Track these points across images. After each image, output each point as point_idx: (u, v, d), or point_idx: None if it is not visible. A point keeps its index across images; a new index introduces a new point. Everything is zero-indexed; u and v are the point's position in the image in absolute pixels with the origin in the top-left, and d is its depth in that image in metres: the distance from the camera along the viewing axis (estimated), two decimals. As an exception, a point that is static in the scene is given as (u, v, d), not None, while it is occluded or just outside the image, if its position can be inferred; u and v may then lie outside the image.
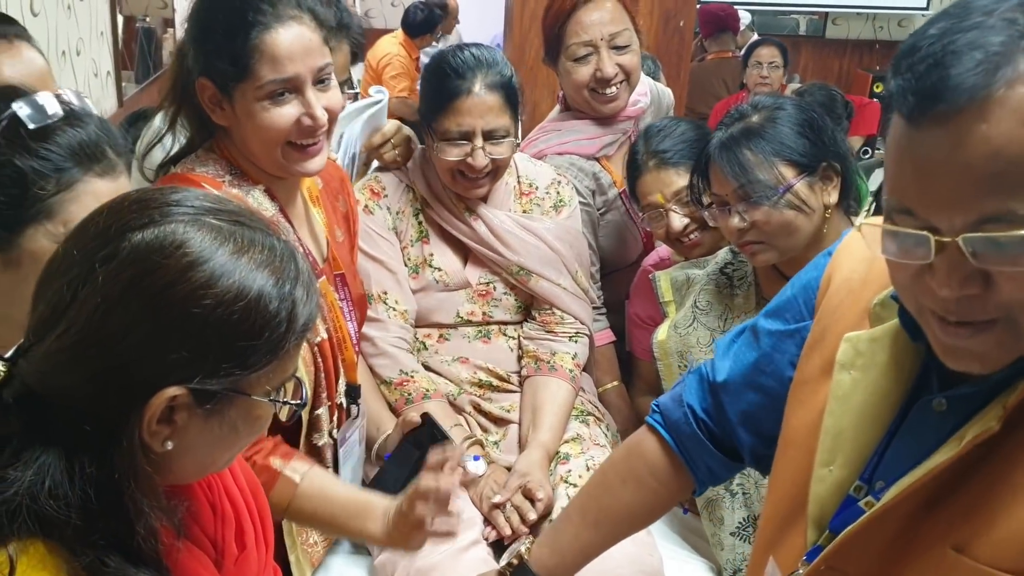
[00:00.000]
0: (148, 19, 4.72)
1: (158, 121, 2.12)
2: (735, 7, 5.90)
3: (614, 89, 2.28)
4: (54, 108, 1.14)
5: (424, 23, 6.57)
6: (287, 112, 1.54)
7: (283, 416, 1.05)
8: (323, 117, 1.56)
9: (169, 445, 0.94)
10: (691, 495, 1.47)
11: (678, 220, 2.09)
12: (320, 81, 1.56)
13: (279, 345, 0.96)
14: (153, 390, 0.90)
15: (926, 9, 7.05)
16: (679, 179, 2.07)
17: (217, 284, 0.91)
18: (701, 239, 2.11)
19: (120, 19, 3.91)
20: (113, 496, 0.91)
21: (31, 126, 1.12)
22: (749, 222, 1.75)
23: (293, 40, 1.51)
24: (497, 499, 1.83)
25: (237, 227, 0.95)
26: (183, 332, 0.90)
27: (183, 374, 0.91)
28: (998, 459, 0.92)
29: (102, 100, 3.65)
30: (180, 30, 5.32)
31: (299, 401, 1.05)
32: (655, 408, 1.42)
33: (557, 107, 2.49)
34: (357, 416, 1.79)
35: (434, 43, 6.65)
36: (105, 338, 0.89)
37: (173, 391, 0.90)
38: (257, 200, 1.60)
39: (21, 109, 1.12)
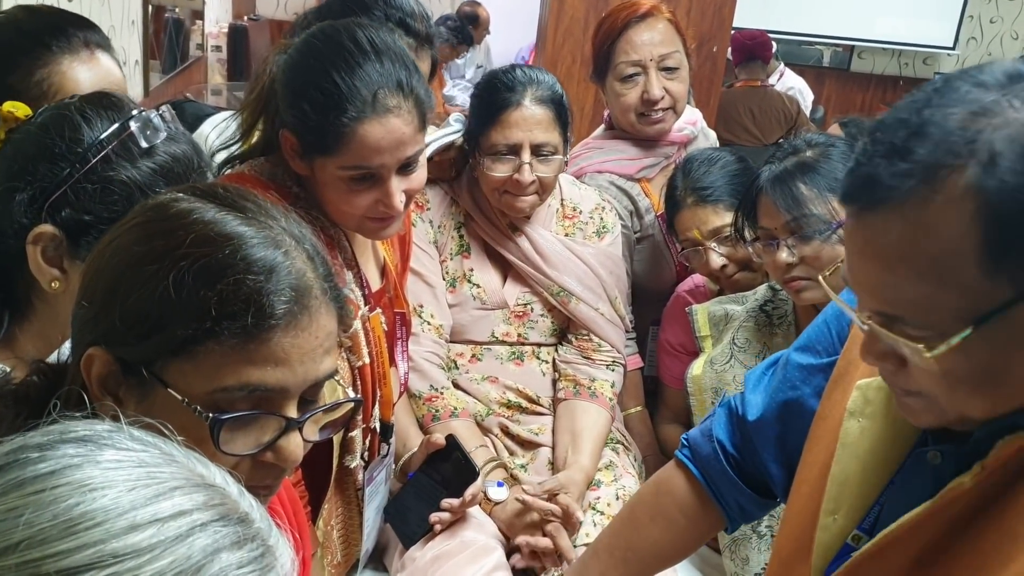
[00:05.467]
0: (177, 10, 4.70)
1: (207, 128, 2.10)
2: (767, 35, 5.85)
3: (659, 114, 2.25)
4: (161, 127, 1.14)
5: (452, 35, 6.55)
6: (364, 197, 1.48)
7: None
8: (400, 205, 1.49)
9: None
10: (722, 531, 1.43)
11: (716, 259, 2.06)
12: (406, 166, 1.50)
13: (218, 324, 0.80)
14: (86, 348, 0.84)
15: (952, 48, 7.04)
16: (716, 217, 2.04)
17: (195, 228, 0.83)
18: (739, 278, 2.08)
19: (150, 9, 3.89)
20: None
21: (143, 145, 1.11)
22: (798, 257, 1.71)
23: (385, 135, 1.43)
24: (522, 540, 1.77)
25: (239, 199, 0.89)
26: (118, 283, 0.83)
27: (99, 332, 0.83)
28: (990, 521, 0.90)
29: (129, 89, 3.62)
30: (208, 23, 5.32)
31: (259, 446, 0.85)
32: (684, 442, 1.39)
33: (602, 125, 2.47)
34: (386, 455, 1.75)
35: (464, 54, 6.64)
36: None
37: (92, 351, 0.84)
38: (320, 215, 1.56)
39: (136, 126, 1.11)
